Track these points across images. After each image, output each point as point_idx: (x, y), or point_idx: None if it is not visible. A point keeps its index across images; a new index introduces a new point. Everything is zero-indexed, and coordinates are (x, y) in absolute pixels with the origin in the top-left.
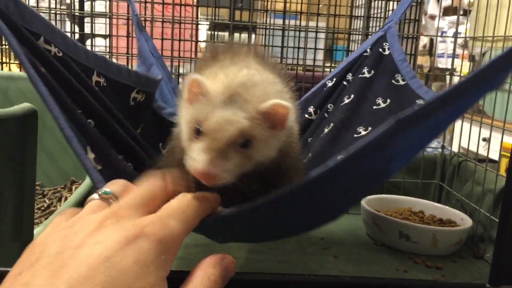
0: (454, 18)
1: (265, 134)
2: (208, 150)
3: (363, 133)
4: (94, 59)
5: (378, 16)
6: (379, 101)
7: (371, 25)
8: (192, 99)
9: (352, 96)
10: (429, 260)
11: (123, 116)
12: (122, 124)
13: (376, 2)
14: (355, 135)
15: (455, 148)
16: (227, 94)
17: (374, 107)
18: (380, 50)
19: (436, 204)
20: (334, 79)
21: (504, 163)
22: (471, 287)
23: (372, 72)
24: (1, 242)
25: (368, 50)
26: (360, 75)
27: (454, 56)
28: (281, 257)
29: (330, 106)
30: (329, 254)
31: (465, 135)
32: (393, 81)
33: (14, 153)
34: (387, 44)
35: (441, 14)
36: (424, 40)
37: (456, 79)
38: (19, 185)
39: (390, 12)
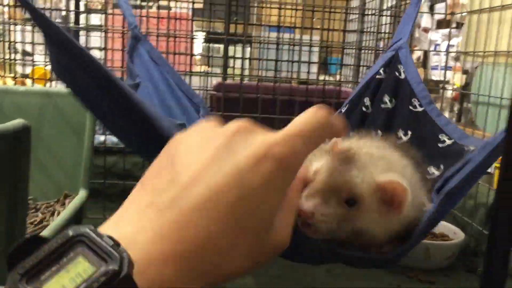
0: (447, 31)
1: (373, 203)
2: (314, 192)
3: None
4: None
5: (371, 30)
6: (401, 133)
7: (364, 39)
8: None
9: (380, 133)
10: (421, 275)
11: None
12: None
13: (369, 16)
14: None
15: None
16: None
17: (397, 141)
18: (397, 74)
19: None
20: (348, 105)
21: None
22: None
23: (394, 101)
24: None
25: (381, 72)
26: (382, 105)
27: (446, 69)
28: (274, 272)
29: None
30: (322, 269)
31: None
32: (410, 107)
33: (6, 170)
34: (402, 67)
35: (434, 27)
36: (417, 53)
37: (449, 92)
38: (11, 202)
39: (383, 26)
